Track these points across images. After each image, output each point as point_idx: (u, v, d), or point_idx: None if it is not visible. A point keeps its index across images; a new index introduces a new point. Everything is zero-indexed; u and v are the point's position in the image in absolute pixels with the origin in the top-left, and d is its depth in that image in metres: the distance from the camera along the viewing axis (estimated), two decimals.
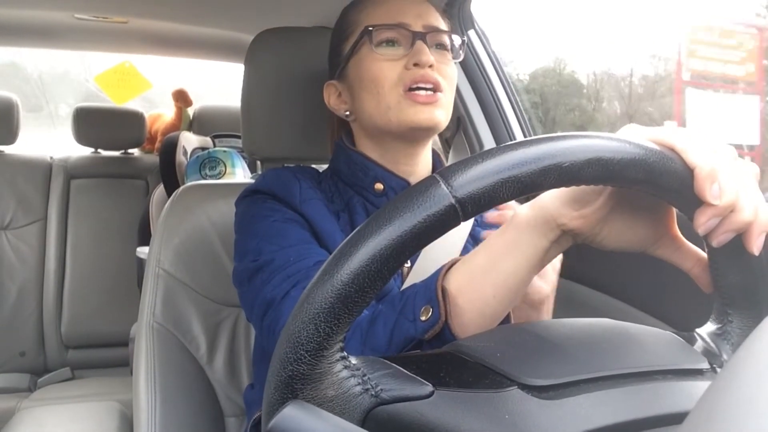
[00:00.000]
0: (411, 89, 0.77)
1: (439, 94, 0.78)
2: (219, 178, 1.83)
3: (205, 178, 1.84)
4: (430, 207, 0.38)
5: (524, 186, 0.39)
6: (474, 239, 0.87)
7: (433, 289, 0.57)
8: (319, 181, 0.87)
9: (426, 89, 0.77)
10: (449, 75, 0.81)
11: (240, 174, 1.86)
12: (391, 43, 0.80)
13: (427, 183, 0.39)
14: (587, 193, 0.51)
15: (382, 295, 0.73)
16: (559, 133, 0.41)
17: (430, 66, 0.77)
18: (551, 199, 0.52)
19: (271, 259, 0.74)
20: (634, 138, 0.43)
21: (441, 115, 0.79)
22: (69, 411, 1.40)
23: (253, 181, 0.89)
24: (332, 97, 0.88)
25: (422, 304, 0.58)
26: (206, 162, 1.87)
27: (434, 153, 0.90)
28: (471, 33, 1.39)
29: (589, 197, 0.51)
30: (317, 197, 0.82)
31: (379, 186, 0.83)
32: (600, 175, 0.41)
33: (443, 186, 0.38)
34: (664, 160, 0.43)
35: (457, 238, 0.84)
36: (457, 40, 0.83)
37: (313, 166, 0.93)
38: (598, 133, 0.42)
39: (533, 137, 0.41)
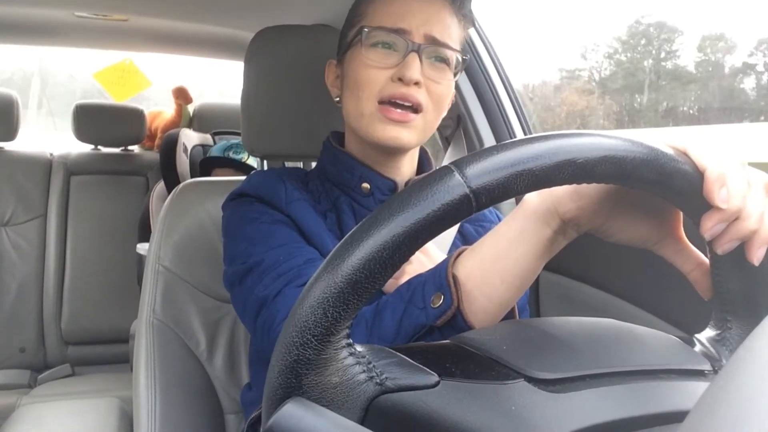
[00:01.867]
0: (387, 102, 0.76)
1: (414, 115, 0.76)
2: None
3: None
4: (444, 196, 0.38)
5: (538, 180, 0.39)
6: (462, 236, 0.88)
7: (444, 276, 0.57)
8: (305, 182, 0.86)
9: (403, 106, 0.76)
10: (439, 94, 0.78)
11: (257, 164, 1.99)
12: (386, 45, 0.77)
13: (442, 172, 0.39)
14: (589, 186, 0.51)
15: None
16: (574, 130, 0.42)
17: (417, 83, 0.75)
18: (556, 188, 0.53)
19: (260, 260, 0.74)
20: (647, 140, 0.44)
21: (409, 137, 0.77)
22: (69, 407, 1.40)
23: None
24: (330, 77, 0.89)
25: (432, 291, 0.58)
26: (233, 146, 2.00)
27: (422, 151, 0.89)
28: (471, 31, 1.39)
29: (590, 191, 0.51)
30: (303, 198, 0.81)
31: (365, 186, 0.83)
32: (613, 173, 0.41)
33: (458, 176, 0.38)
34: (675, 161, 0.44)
35: (447, 236, 0.84)
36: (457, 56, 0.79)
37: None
38: (612, 132, 0.43)
39: (549, 133, 0.41)
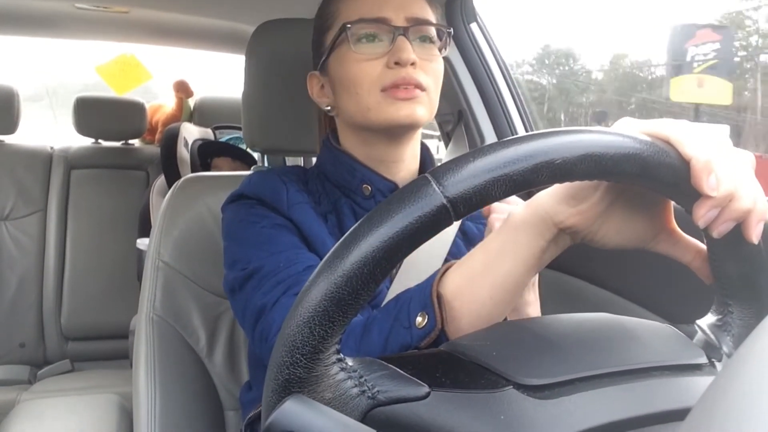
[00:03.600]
0: (390, 88, 0.75)
1: (419, 91, 0.75)
2: None
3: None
4: (421, 208, 0.37)
5: (516, 184, 0.39)
6: (464, 234, 0.87)
7: (428, 294, 0.57)
8: (305, 182, 0.85)
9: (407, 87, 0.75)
10: (434, 71, 0.78)
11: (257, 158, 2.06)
12: (371, 37, 0.76)
13: (419, 183, 0.38)
14: (583, 188, 0.50)
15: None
16: (551, 129, 0.41)
17: (412, 64, 0.74)
18: (547, 197, 0.52)
19: (260, 266, 0.73)
20: (627, 131, 0.43)
21: (421, 111, 0.76)
22: (69, 403, 1.40)
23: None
24: (315, 89, 0.87)
25: (417, 310, 0.57)
26: (233, 140, 2.05)
27: (424, 148, 0.88)
28: (473, 26, 1.38)
29: (586, 193, 0.50)
30: (305, 200, 0.80)
31: (367, 188, 0.82)
32: (593, 170, 0.40)
33: (434, 186, 0.38)
34: (658, 153, 0.43)
35: (447, 233, 0.83)
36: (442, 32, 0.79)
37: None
38: (590, 127, 0.42)
39: (525, 134, 0.41)
